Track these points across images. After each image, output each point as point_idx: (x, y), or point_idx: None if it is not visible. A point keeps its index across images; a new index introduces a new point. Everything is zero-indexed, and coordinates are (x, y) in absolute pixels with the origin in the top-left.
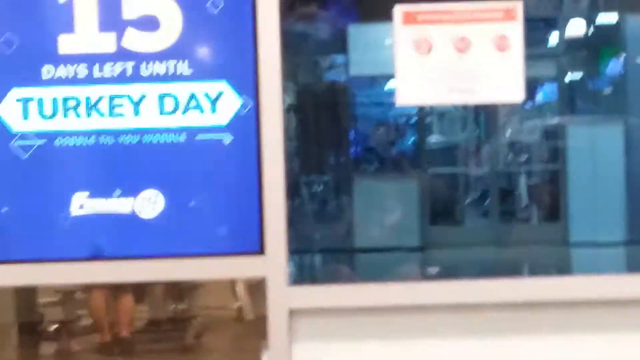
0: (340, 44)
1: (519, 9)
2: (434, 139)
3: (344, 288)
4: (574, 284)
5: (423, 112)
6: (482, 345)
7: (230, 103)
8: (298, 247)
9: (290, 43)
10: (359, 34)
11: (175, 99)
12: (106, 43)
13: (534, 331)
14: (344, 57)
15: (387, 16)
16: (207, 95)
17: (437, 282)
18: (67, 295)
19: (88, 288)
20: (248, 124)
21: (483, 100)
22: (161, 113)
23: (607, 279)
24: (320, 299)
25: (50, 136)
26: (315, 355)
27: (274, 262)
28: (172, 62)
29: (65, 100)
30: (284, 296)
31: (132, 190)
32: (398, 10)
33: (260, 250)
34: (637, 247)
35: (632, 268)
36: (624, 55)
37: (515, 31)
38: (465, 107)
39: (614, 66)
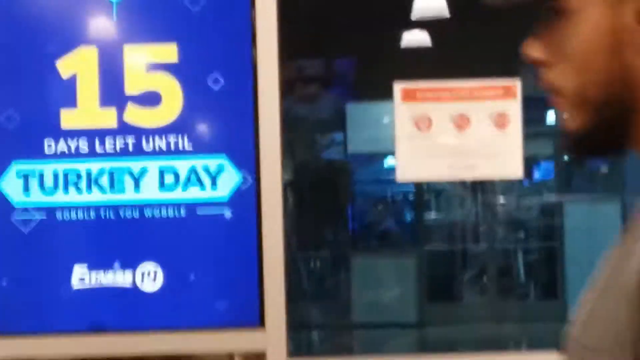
0: (338, 122)
1: (518, 87)
2: (431, 216)
3: None
4: None
5: (421, 189)
6: None
7: (230, 178)
8: (296, 322)
9: (290, 121)
10: (357, 112)
11: (176, 173)
12: (108, 118)
13: None
14: (342, 135)
15: (384, 95)
16: (207, 169)
17: (430, 356)
18: None
19: None
20: (248, 198)
21: (483, 177)
22: (162, 187)
23: None
24: None
25: (51, 210)
26: None
27: (274, 335)
28: (172, 137)
29: (65, 174)
30: None
31: (131, 263)
32: (397, 87)
33: (260, 324)
34: None
35: None
36: None
37: (514, 108)
38: (463, 185)
39: None
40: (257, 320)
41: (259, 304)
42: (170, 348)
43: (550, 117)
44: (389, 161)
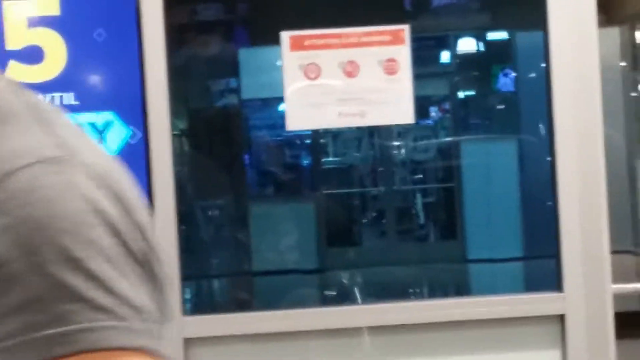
0: (231, 68)
1: (407, 33)
2: (329, 160)
3: (239, 316)
4: (470, 304)
5: (317, 134)
6: None
7: (119, 133)
8: (193, 274)
9: (181, 69)
10: (250, 57)
11: None
12: None
13: (433, 352)
14: (235, 81)
15: (277, 40)
16: (94, 126)
17: (327, 307)
18: None
19: None
20: (137, 152)
21: (373, 123)
22: None
23: (503, 299)
24: (215, 328)
25: None
26: None
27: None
28: (57, 94)
29: None
30: (178, 326)
31: None
32: (285, 35)
33: None
34: (533, 263)
35: (529, 283)
36: (514, 72)
37: (403, 54)
38: (359, 128)
39: (505, 83)
40: None
41: None
42: None
43: (444, 56)
44: (283, 106)
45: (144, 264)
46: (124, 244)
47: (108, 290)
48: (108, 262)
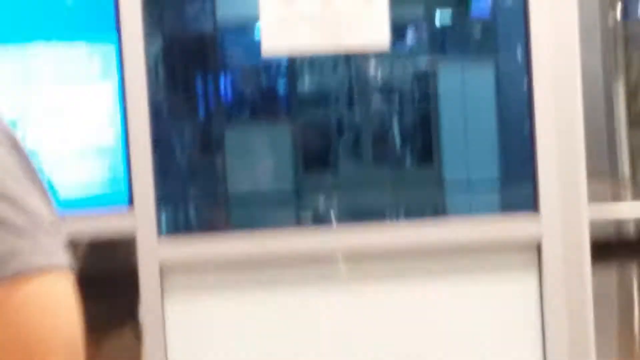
0: None
1: None
2: (305, 83)
3: (214, 238)
4: (447, 228)
5: (293, 58)
6: (358, 293)
7: None
8: (169, 198)
9: None
10: None
11: None
12: None
13: (409, 278)
14: (211, 3)
15: None
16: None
17: (309, 229)
18: None
19: None
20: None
21: (348, 49)
22: None
23: (478, 221)
24: (191, 250)
25: None
26: (188, 308)
27: (143, 215)
28: None
29: None
30: (154, 247)
31: None
32: None
33: (129, 203)
34: (509, 184)
35: (505, 204)
36: None
37: None
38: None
39: (483, 6)
40: (127, 200)
41: (128, 183)
42: None
43: None
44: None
45: (37, 174)
46: (24, 159)
47: (20, 208)
48: (15, 181)
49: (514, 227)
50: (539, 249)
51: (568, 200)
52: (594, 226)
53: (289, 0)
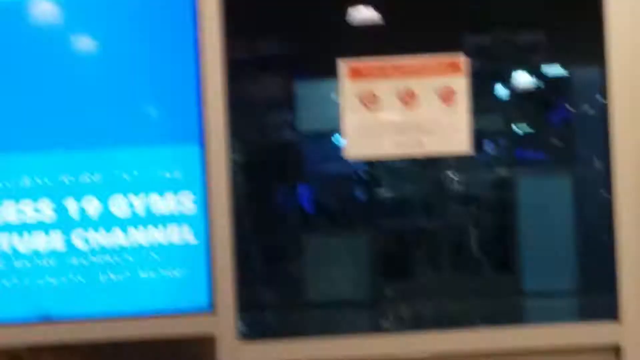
0: (289, 101)
1: (463, 62)
2: (383, 193)
3: (292, 344)
4: (525, 334)
5: (372, 166)
6: None
7: None
8: (248, 305)
9: (239, 102)
10: (307, 90)
11: None
12: None
13: None
14: (292, 114)
15: (334, 73)
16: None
17: (382, 334)
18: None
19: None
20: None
21: (430, 153)
22: None
23: (557, 328)
24: (271, 355)
25: None
26: None
27: (224, 319)
28: None
29: None
30: (234, 353)
31: None
32: (343, 65)
33: (210, 308)
34: (588, 295)
35: (584, 315)
36: (570, 107)
37: (460, 83)
38: (414, 161)
39: (561, 118)
40: (208, 305)
41: (209, 289)
42: (123, 334)
43: (500, 90)
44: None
45: None
46: None
47: None
48: None
49: (594, 334)
50: (617, 354)
51: None
52: None
53: (371, 104)
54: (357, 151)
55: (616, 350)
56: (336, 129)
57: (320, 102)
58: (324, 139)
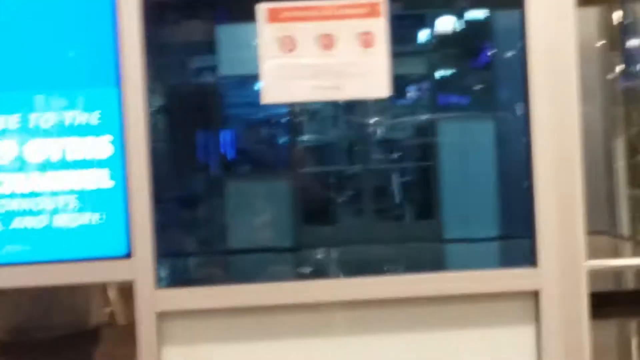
0: (208, 45)
1: (383, 5)
2: (305, 138)
3: (211, 290)
4: (446, 279)
5: (294, 111)
6: (354, 342)
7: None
8: (168, 252)
9: (158, 46)
10: (227, 34)
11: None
12: None
13: (405, 327)
14: (212, 58)
15: (254, 16)
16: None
17: (303, 281)
18: None
19: None
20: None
21: (349, 97)
22: None
23: (478, 274)
24: (188, 301)
25: None
26: (185, 358)
27: (141, 265)
28: None
29: None
30: (151, 299)
31: None
32: (262, 7)
33: (128, 254)
34: (510, 242)
35: (505, 262)
36: (493, 51)
37: (380, 27)
38: (336, 106)
39: (483, 62)
40: (126, 250)
41: (127, 234)
42: (41, 280)
43: (422, 35)
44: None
45: None
46: None
47: None
48: None
49: (512, 280)
50: (537, 299)
51: (567, 254)
52: (592, 277)
53: (289, 48)
54: (274, 95)
55: (535, 294)
56: (257, 74)
57: (242, 46)
58: (244, 84)
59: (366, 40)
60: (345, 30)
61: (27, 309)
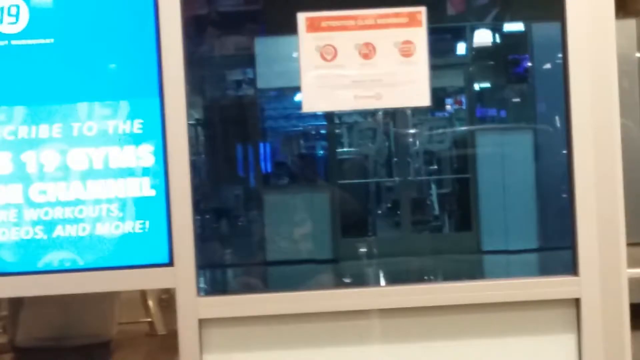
0: (247, 58)
1: (423, 15)
2: (343, 151)
3: (252, 297)
4: (486, 288)
5: (332, 124)
6: (393, 350)
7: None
8: (209, 261)
9: (197, 59)
10: (266, 47)
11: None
12: None
13: (445, 335)
14: (251, 70)
15: (294, 28)
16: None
17: (343, 289)
18: None
19: None
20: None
21: (389, 106)
22: None
23: (519, 282)
24: (229, 309)
25: None
26: None
27: (183, 273)
28: None
29: None
30: (193, 306)
31: None
32: (302, 17)
33: (170, 262)
34: (549, 254)
35: (543, 274)
36: (530, 63)
37: (420, 36)
38: (374, 118)
39: (522, 74)
40: (168, 259)
41: (169, 243)
42: (83, 288)
43: (460, 48)
44: (299, 96)
45: None
46: None
47: None
48: None
49: (553, 288)
50: (577, 307)
51: (607, 263)
52: (633, 287)
53: (330, 57)
54: (314, 104)
55: (576, 302)
56: (295, 86)
57: (280, 59)
58: (283, 96)
59: (406, 50)
60: (385, 39)
61: (50, 316)
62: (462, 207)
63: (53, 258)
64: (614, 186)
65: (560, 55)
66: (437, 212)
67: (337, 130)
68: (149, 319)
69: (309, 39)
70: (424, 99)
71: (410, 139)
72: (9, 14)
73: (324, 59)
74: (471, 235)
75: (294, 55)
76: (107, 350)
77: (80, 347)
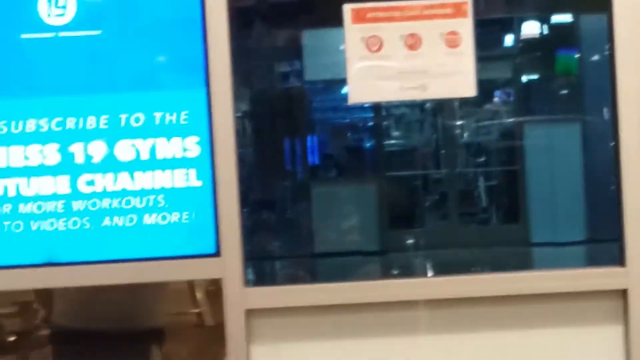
0: (295, 50)
1: (469, 5)
2: (391, 143)
3: (299, 287)
4: (533, 278)
5: (380, 116)
6: (439, 341)
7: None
8: (256, 253)
9: (245, 51)
10: (314, 39)
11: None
12: None
13: (491, 326)
14: (299, 62)
15: (341, 20)
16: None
17: (389, 280)
18: (25, 306)
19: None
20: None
21: (435, 97)
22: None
23: (563, 273)
24: (276, 299)
25: None
26: (273, 355)
27: (230, 264)
28: None
29: None
30: (240, 297)
31: None
32: (347, 8)
33: (217, 253)
34: (596, 246)
35: (591, 265)
36: (579, 55)
37: (466, 27)
38: (422, 110)
39: (570, 66)
40: (215, 249)
41: (215, 233)
42: (130, 278)
43: (508, 39)
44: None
45: None
46: None
47: None
48: None
49: (600, 279)
50: (625, 297)
51: None
52: None
53: (375, 48)
54: (361, 96)
55: (623, 293)
56: (342, 79)
57: (327, 51)
58: (330, 89)
59: (452, 40)
60: (431, 30)
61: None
62: (509, 199)
63: (100, 248)
64: None
65: (607, 47)
66: (484, 204)
67: (384, 123)
68: (197, 310)
69: (354, 30)
70: (469, 90)
71: (458, 131)
72: (57, 6)
73: (370, 50)
74: (519, 227)
75: (341, 47)
76: (160, 338)
77: (132, 334)
